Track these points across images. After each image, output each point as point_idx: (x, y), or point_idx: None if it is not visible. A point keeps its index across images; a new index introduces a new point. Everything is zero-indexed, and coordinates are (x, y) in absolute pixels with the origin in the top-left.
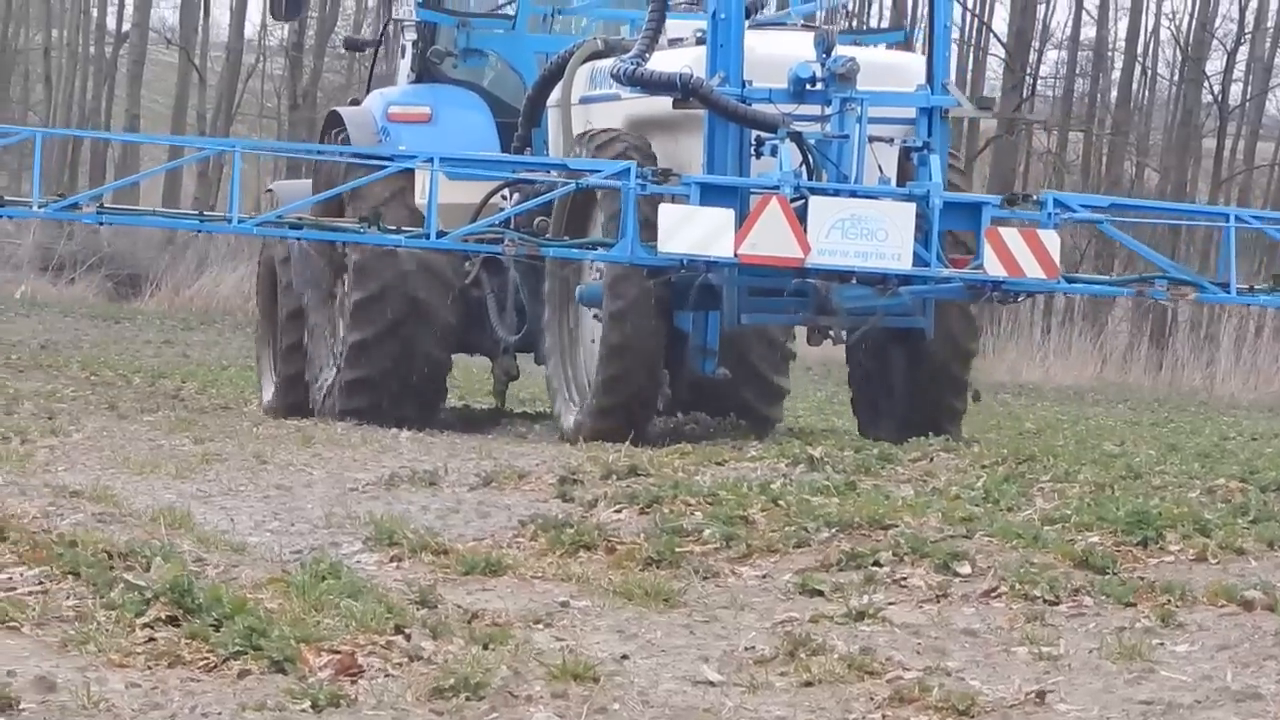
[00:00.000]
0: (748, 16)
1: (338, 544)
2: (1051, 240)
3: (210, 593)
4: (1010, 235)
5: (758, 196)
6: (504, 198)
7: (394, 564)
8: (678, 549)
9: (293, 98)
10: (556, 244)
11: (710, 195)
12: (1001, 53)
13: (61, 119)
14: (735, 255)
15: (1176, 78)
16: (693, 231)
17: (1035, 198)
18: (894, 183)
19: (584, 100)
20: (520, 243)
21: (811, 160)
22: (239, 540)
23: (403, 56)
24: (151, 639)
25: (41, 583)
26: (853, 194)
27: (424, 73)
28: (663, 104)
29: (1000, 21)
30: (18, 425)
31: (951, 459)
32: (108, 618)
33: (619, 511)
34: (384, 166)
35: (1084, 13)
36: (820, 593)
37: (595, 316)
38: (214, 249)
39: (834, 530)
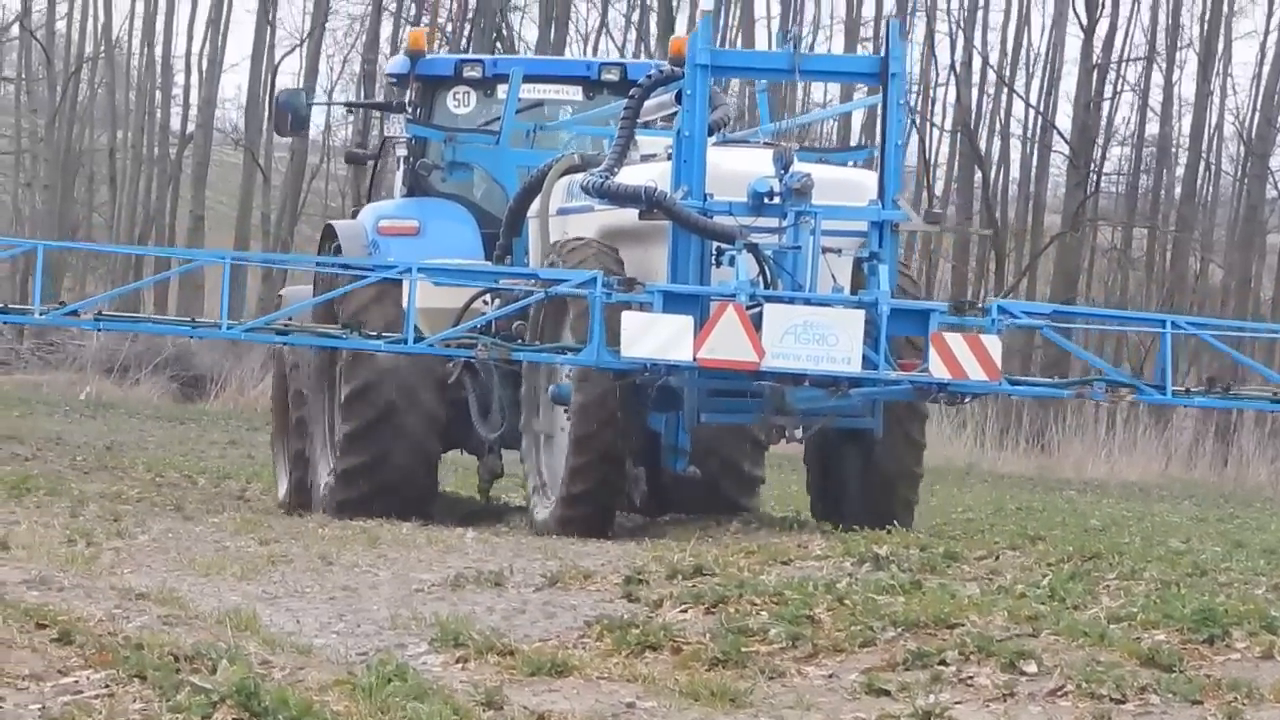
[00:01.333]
0: (712, 134)
1: (404, 645)
2: (994, 345)
3: (277, 695)
4: (955, 340)
5: (716, 303)
6: (485, 303)
7: (460, 665)
8: (744, 649)
9: (356, 198)
10: (526, 349)
11: (672, 303)
12: (1065, 149)
13: (126, 220)
14: (694, 359)
15: (1240, 173)
16: (654, 337)
17: (981, 305)
18: (848, 291)
19: (561, 211)
20: (492, 347)
21: (768, 270)
22: (305, 642)
23: (398, 169)
24: None
25: (108, 686)
26: (806, 301)
27: (415, 186)
28: (632, 215)
29: (1064, 118)
30: (83, 527)
31: (1017, 557)
32: None
33: (684, 611)
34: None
35: (1148, 109)
36: (887, 692)
37: (567, 415)
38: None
39: (900, 629)
